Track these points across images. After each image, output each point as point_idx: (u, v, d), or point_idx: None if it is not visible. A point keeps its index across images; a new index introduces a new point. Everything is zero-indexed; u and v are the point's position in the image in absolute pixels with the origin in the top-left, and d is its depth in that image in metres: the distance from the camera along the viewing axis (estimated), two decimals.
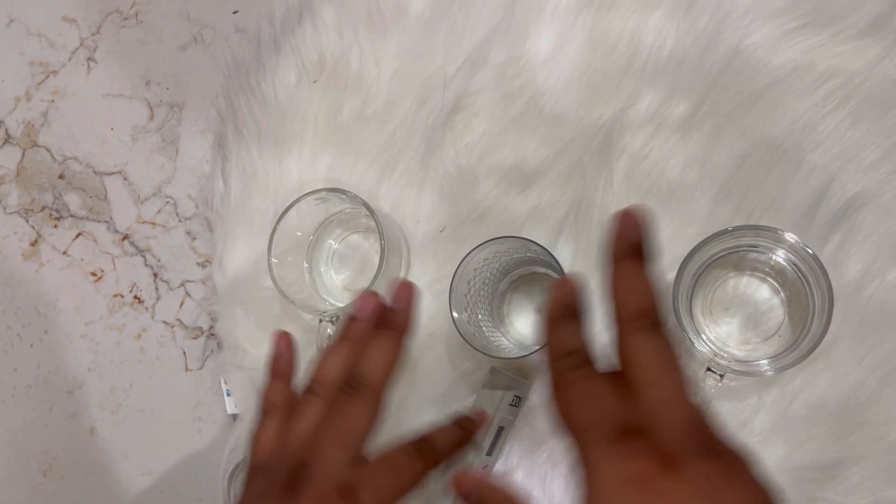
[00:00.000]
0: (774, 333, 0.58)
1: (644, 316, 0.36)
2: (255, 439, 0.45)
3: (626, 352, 0.36)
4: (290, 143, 0.68)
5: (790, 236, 0.53)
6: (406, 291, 0.45)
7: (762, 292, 0.59)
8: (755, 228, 0.55)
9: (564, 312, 0.39)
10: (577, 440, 0.34)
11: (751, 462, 0.33)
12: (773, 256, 0.58)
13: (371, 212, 0.60)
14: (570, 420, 0.34)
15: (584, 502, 0.32)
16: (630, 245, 0.38)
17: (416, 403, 0.64)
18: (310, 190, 0.62)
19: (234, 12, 0.75)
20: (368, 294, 0.47)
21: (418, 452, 0.43)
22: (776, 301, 0.59)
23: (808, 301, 0.56)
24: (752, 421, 0.58)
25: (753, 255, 0.59)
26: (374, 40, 0.68)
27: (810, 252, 0.53)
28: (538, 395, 0.62)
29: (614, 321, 0.37)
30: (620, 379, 0.35)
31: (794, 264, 0.57)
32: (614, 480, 0.30)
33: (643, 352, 0.35)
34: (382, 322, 0.44)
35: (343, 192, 0.61)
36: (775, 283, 0.59)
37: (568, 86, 0.64)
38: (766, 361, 0.55)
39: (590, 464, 0.32)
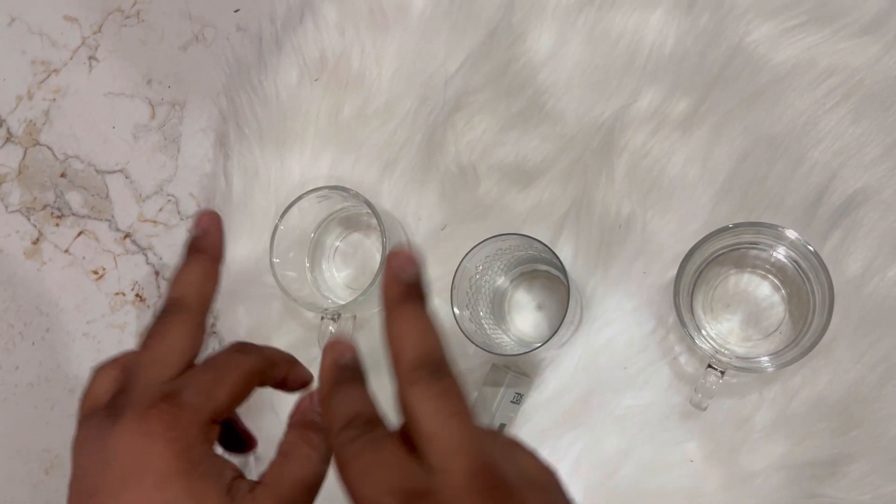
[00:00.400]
0: (775, 330, 0.58)
1: (421, 365, 0.34)
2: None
3: (406, 405, 0.33)
4: (292, 141, 0.68)
5: (791, 233, 0.53)
6: (208, 218, 0.43)
7: (763, 289, 0.59)
8: (756, 225, 0.55)
9: (339, 377, 0.36)
10: None
11: (550, 487, 0.33)
12: (774, 253, 0.58)
13: (372, 209, 0.60)
14: (359, 498, 0.32)
15: None
16: (404, 286, 0.35)
17: None
18: (311, 188, 0.62)
19: (236, 11, 0.75)
20: (198, 213, 0.46)
21: (240, 349, 0.41)
22: (777, 298, 0.59)
23: (809, 298, 0.56)
24: (752, 418, 0.58)
25: (754, 252, 0.59)
26: (376, 38, 0.68)
27: (811, 249, 0.53)
28: (539, 392, 0.62)
29: (393, 374, 0.34)
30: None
31: (795, 261, 0.57)
32: None
33: (421, 404, 0.33)
34: (193, 248, 0.43)
35: (345, 189, 0.62)
36: (776, 280, 0.59)
37: (569, 83, 0.64)
38: (766, 358, 0.55)
39: None
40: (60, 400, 0.73)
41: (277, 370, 0.43)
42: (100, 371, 0.42)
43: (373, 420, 0.34)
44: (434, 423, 0.32)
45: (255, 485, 0.38)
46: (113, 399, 0.38)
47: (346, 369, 0.37)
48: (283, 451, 0.40)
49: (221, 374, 0.39)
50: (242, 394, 0.40)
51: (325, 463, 0.40)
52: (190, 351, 0.40)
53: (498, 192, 0.65)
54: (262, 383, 0.42)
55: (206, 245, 0.43)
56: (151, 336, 0.40)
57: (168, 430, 0.36)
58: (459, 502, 0.30)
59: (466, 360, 0.63)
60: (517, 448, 0.34)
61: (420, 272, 0.36)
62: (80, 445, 0.39)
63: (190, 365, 0.39)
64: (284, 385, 0.44)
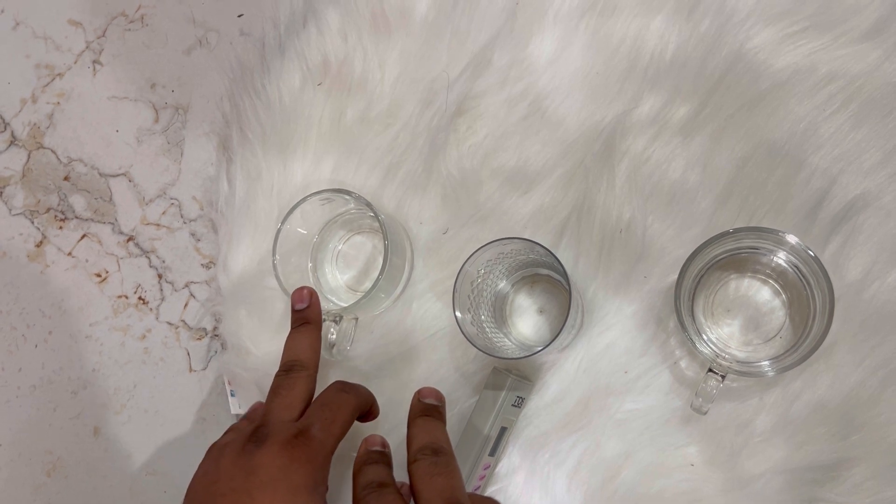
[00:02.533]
0: (776, 335, 0.59)
1: (425, 447, 0.46)
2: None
3: (411, 477, 0.45)
4: (295, 145, 0.69)
5: (791, 238, 0.53)
6: (308, 293, 0.59)
7: (763, 294, 0.59)
8: (756, 230, 0.55)
9: (367, 459, 0.50)
10: None
11: None
12: (775, 258, 0.58)
13: (375, 213, 0.60)
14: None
15: None
16: (426, 406, 0.51)
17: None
18: (314, 191, 0.63)
19: (240, 16, 0.75)
20: (298, 290, 0.60)
21: (343, 389, 0.53)
22: (777, 303, 0.59)
23: (809, 303, 0.57)
24: (753, 422, 0.58)
25: (755, 257, 0.59)
26: (379, 43, 0.68)
27: (811, 254, 0.53)
28: (540, 395, 0.62)
29: (408, 462, 0.47)
30: None
31: (796, 266, 0.57)
32: None
33: (420, 480, 0.44)
34: (300, 318, 0.58)
35: (347, 192, 0.62)
36: (776, 285, 0.59)
37: (570, 89, 0.65)
38: (767, 363, 0.55)
39: None
40: (63, 402, 0.74)
41: (370, 406, 0.56)
42: (237, 423, 0.58)
43: (392, 486, 0.47)
44: (425, 497, 0.44)
45: None
46: (255, 431, 0.49)
47: (372, 455, 0.50)
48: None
49: (335, 413, 0.51)
50: (349, 427, 0.52)
51: None
52: (308, 398, 0.53)
53: (499, 197, 0.65)
54: (357, 417, 0.54)
55: (310, 317, 0.58)
56: (281, 387, 0.53)
57: (303, 456, 0.47)
58: None
59: (468, 364, 0.64)
60: None
61: (439, 402, 0.52)
62: (222, 462, 0.49)
63: (307, 406, 0.52)
64: (366, 418, 0.57)
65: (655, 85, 0.63)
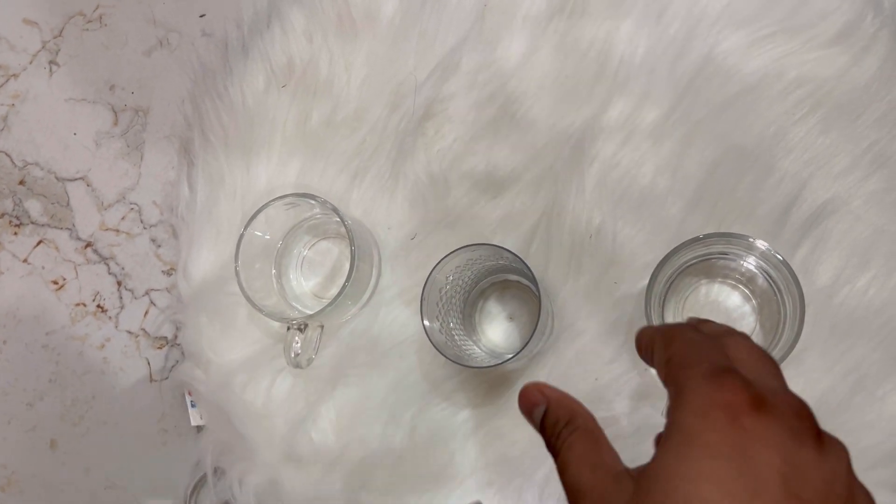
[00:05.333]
0: None
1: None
2: None
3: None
4: (258, 148, 0.67)
5: (761, 244, 0.53)
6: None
7: (733, 299, 0.59)
8: (726, 236, 0.54)
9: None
10: (675, 378, 0.34)
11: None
12: (745, 263, 0.58)
13: (341, 218, 0.59)
14: (672, 362, 0.35)
15: (671, 427, 0.32)
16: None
17: (389, 413, 0.63)
18: (279, 195, 0.61)
19: (201, 16, 0.74)
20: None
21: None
22: (747, 308, 0.59)
23: (780, 308, 0.56)
24: None
25: (724, 263, 0.59)
26: (345, 45, 0.67)
27: (781, 259, 0.53)
28: (511, 404, 0.61)
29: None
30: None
31: (766, 271, 0.57)
32: (705, 403, 0.31)
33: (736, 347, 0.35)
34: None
35: (313, 197, 0.61)
36: (746, 291, 0.59)
37: (539, 92, 0.64)
38: None
39: (682, 392, 0.32)
40: (18, 415, 0.71)
41: None
42: None
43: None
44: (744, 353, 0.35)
45: None
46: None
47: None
48: None
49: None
50: None
51: None
52: None
53: (468, 202, 0.64)
54: None
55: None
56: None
57: None
58: (769, 393, 0.31)
59: (437, 371, 0.62)
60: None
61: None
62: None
63: None
64: None
65: (625, 88, 0.63)
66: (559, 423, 0.37)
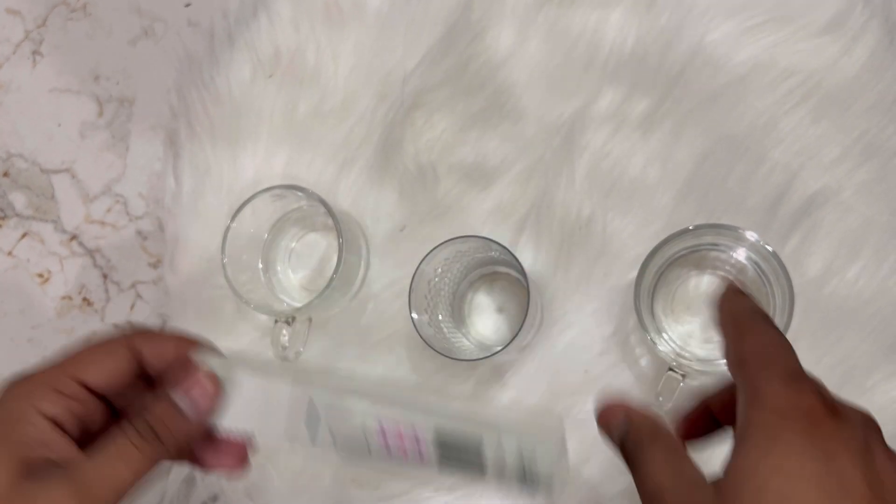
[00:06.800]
0: None
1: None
2: None
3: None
4: (245, 139, 0.67)
5: (751, 235, 0.53)
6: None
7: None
8: (716, 227, 0.54)
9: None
10: (752, 377, 0.34)
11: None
12: (734, 255, 0.58)
13: (329, 209, 0.58)
14: (748, 362, 0.34)
15: (750, 426, 0.32)
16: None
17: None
18: (265, 187, 0.61)
19: (187, 5, 0.73)
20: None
21: None
22: None
23: (769, 299, 0.56)
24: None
25: (714, 254, 0.59)
26: (332, 34, 0.66)
27: (770, 250, 0.53)
28: (501, 396, 0.61)
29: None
30: None
31: (755, 263, 0.57)
32: (785, 406, 0.31)
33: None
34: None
35: (300, 188, 0.60)
36: (737, 282, 0.59)
37: (529, 82, 0.64)
38: None
39: (760, 393, 0.32)
40: None
41: None
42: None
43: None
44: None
45: None
46: None
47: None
48: None
49: None
50: None
51: None
52: None
53: (458, 193, 0.64)
54: None
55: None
56: None
57: None
58: (838, 402, 0.32)
59: (426, 363, 0.62)
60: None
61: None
62: None
63: None
64: None
65: (615, 79, 0.62)
66: (643, 441, 0.37)
